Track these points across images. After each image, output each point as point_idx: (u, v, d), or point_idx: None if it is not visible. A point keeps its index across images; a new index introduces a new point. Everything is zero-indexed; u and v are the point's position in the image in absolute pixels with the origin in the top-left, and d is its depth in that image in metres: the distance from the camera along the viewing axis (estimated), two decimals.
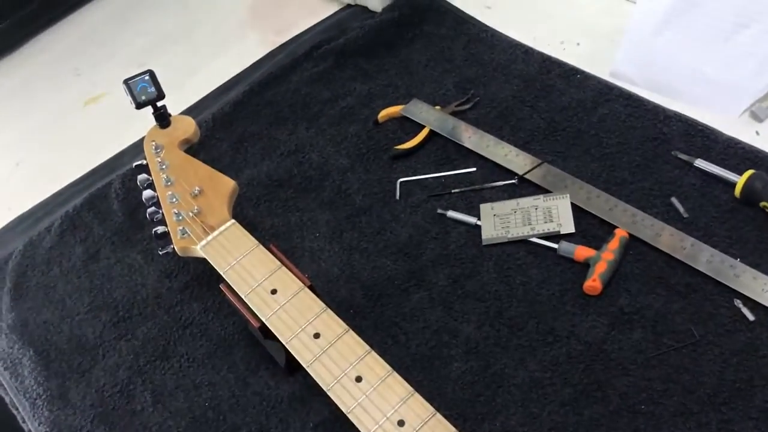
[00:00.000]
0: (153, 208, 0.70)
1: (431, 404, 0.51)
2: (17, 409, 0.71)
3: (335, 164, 0.83)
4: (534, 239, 0.70)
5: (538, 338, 0.63)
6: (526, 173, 0.75)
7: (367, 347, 0.54)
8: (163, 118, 0.75)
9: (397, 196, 0.78)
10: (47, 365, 0.73)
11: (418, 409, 0.50)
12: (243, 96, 0.95)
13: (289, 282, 0.60)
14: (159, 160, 0.72)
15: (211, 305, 0.73)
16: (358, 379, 0.52)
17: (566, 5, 0.97)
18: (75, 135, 1.07)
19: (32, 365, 0.73)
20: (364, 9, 1.06)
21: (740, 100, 0.78)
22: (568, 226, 0.70)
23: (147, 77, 0.74)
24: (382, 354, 0.63)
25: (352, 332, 0.56)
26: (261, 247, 0.63)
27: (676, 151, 0.73)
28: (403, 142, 0.82)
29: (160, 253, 0.68)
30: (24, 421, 0.71)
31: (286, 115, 0.91)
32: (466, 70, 0.89)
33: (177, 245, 0.66)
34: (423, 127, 0.83)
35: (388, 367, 0.53)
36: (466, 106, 0.84)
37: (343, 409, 0.51)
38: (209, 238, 0.65)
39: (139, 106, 0.73)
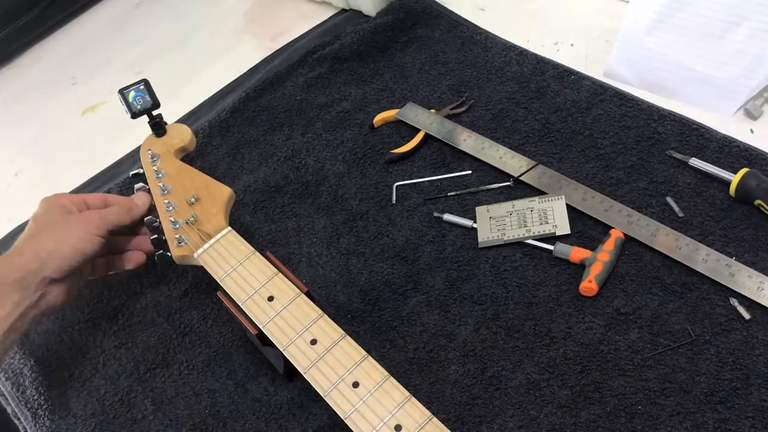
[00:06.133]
0: (150, 217, 0.70)
1: (429, 408, 0.51)
2: (19, 419, 0.72)
3: (331, 169, 0.83)
4: (530, 241, 0.70)
5: (535, 340, 0.63)
6: (521, 175, 0.75)
7: (364, 353, 0.55)
8: (158, 126, 0.76)
9: (394, 200, 0.78)
10: (48, 375, 0.73)
11: (414, 414, 0.51)
12: (239, 102, 0.95)
13: (285, 289, 0.60)
14: (155, 168, 0.72)
15: (210, 312, 0.74)
16: (355, 385, 0.53)
17: (559, 6, 0.97)
18: (73, 144, 1.08)
19: (33, 375, 0.73)
20: (359, 13, 1.06)
21: (734, 98, 0.78)
22: (564, 228, 0.70)
23: (142, 86, 0.74)
24: (381, 358, 0.64)
25: (348, 338, 0.56)
26: (257, 254, 0.63)
27: (671, 150, 0.74)
28: (399, 146, 0.82)
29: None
30: (26, 431, 0.71)
31: (282, 120, 0.91)
32: (460, 72, 0.89)
33: (174, 253, 0.67)
34: (418, 130, 0.83)
35: (385, 372, 0.53)
36: (461, 109, 0.85)
37: (341, 415, 0.52)
38: (206, 246, 0.65)
39: (135, 115, 0.73)
